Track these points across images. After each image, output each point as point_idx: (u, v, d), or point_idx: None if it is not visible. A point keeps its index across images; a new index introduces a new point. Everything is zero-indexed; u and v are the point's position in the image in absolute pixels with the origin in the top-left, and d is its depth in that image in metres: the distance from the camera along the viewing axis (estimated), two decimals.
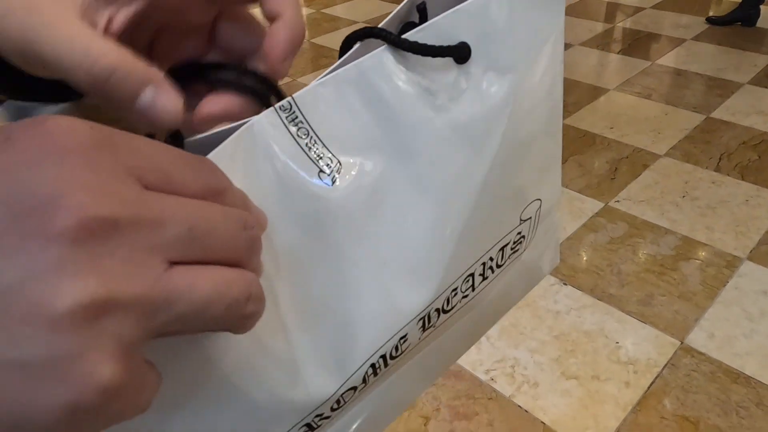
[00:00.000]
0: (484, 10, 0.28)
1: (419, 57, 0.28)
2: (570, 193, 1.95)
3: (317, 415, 0.28)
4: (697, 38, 3.05)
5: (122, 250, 0.14)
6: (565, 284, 1.59)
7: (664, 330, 1.44)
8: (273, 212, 0.25)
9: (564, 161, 2.11)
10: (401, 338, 0.30)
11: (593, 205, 1.88)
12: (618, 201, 1.89)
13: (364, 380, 0.29)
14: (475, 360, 1.39)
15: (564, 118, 2.38)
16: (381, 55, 0.27)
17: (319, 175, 0.26)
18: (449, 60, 0.28)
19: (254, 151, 0.25)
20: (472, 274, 0.33)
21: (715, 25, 3.17)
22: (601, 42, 3.09)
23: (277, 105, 0.25)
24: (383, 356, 0.29)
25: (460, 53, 0.28)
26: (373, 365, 0.29)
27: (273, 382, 0.25)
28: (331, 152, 0.26)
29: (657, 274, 1.60)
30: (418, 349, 0.34)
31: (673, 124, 2.29)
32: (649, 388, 1.31)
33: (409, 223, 0.28)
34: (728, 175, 1.98)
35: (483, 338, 1.44)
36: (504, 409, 1.28)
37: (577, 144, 2.21)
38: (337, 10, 3.73)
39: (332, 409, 0.29)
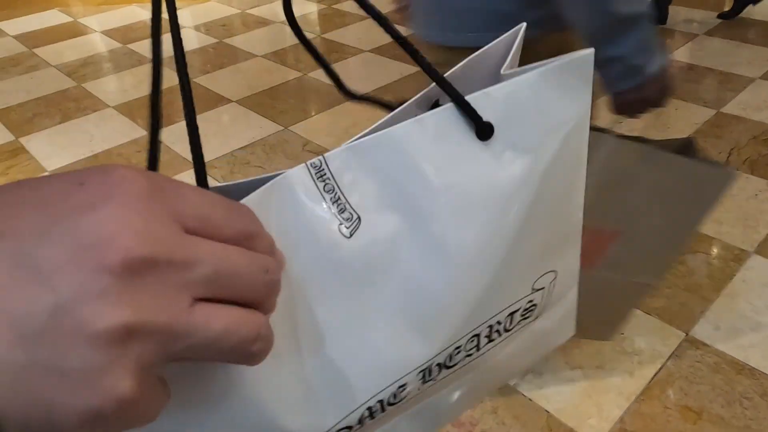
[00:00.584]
0: (512, 96, 0.31)
1: (445, 131, 0.30)
2: None
3: None
4: (709, 33, 3.03)
5: (155, 285, 0.17)
6: None
7: (669, 322, 1.44)
8: (299, 255, 0.28)
9: None
10: (400, 386, 0.31)
11: None
12: None
13: (360, 422, 0.31)
14: None
15: None
16: (410, 126, 0.30)
17: (339, 228, 0.29)
18: (472, 136, 0.31)
19: (285, 201, 0.28)
20: (478, 335, 0.34)
21: (727, 19, 3.15)
22: None
23: (308, 162, 0.28)
24: (381, 401, 0.31)
25: (484, 131, 0.31)
26: (369, 408, 0.31)
27: (277, 408, 0.27)
28: (353, 208, 0.29)
29: None
30: (416, 401, 0.35)
31: (683, 119, 2.28)
32: (653, 378, 1.32)
33: (425, 281, 0.30)
34: (738, 169, 1.97)
35: None
36: (508, 397, 1.29)
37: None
38: (347, 6, 3.75)
39: None
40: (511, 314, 0.36)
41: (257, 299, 0.20)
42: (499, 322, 0.35)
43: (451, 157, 0.31)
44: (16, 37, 3.61)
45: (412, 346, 0.31)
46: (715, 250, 1.65)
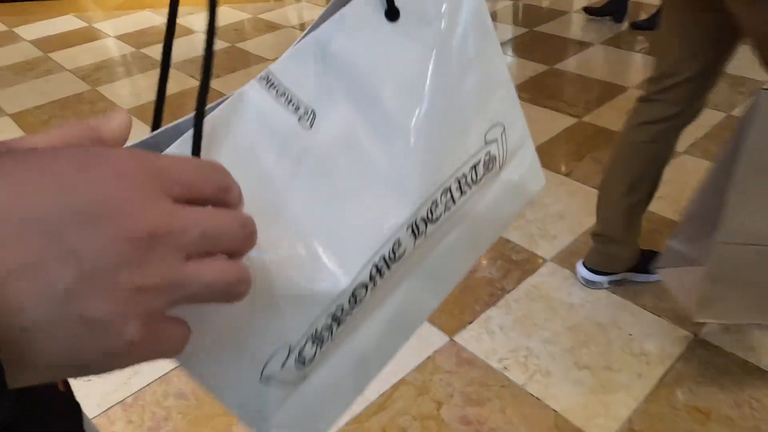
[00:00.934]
0: None
1: (360, 21, 0.37)
2: (586, 189, 1.96)
3: (339, 306, 0.35)
4: None
5: (158, 251, 0.21)
6: None
7: (678, 323, 1.44)
8: (270, 152, 0.33)
9: (581, 158, 2.12)
10: (395, 243, 0.37)
11: None
12: None
13: (372, 278, 0.36)
14: (488, 349, 1.41)
15: (582, 115, 2.38)
16: (332, 24, 0.36)
17: (299, 121, 0.35)
18: (383, 20, 0.38)
19: (245, 111, 0.33)
20: (449, 188, 0.40)
21: (642, 30, 3.18)
22: (623, 41, 3.08)
23: (257, 77, 0.34)
24: (383, 257, 0.37)
25: (394, 13, 0.38)
26: (376, 266, 0.36)
27: (298, 277, 0.33)
28: (306, 104, 0.35)
29: None
30: (418, 259, 0.40)
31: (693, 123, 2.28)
32: (661, 379, 1.32)
33: (385, 148, 0.37)
34: None
35: (496, 328, 1.47)
36: (516, 396, 1.30)
37: (594, 140, 2.22)
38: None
39: (351, 304, 0.36)
40: (474, 167, 0.42)
41: (236, 250, 0.24)
42: (464, 175, 0.41)
43: (371, 42, 0.37)
44: (32, 42, 3.67)
45: (392, 206, 0.37)
46: None
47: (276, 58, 0.36)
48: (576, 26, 3.37)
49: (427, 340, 1.45)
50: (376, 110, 0.37)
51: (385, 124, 0.37)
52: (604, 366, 1.36)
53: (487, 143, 0.43)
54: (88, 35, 3.77)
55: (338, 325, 0.35)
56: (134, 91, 2.97)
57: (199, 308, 0.27)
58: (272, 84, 0.34)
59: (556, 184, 2.00)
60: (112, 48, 3.57)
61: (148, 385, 1.38)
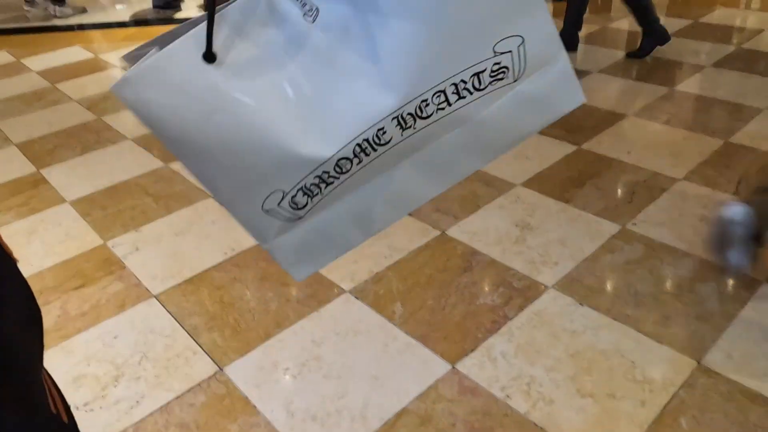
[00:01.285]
0: None
1: None
2: (587, 215, 1.97)
3: (325, 172, 0.42)
4: (716, 65, 3.07)
5: None
6: (582, 305, 1.60)
7: (680, 350, 1.44)
8: (281, 39, 0.40)
9: (582, 185, 2.14)
10: (379, 129, 0.42)
11: (610, 228, 1.90)
12: (635, 224, 1.91)
13: (355, 155, 0.42)
14: (491, 377, 1.41)
15: (581, 143, 2.41)
16: None
17: (304, 18, 0.41)
18: None
19: (256, 4, 0.39)
20: (443, 91, 0.44)
21: (637, 58, 3.24)
22: (621, 69, 3.13)
23: None
24: (366, 140, 0.42)
25: None
26: (359, 145, 0.42)
27: (284, 141, 0.40)
28: (312, 2, 0.41)
29: (674, 295, 1.61)
30: (409, 147, 0.45)
31: (691, 149, 2.30)
32: (665, 407, 1.31)
33: (375, 48, 0.41)
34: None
35: (498, 355, 1.47)
36: (519, 425, 1.29)
37: (594, 167, 2.24)
38: None
39: (336, 172, 0.43)
40: (477, 74, 0.44)
41: None
42: (464, 81, 0.44)
43: None
44: (39, 73, 3.74)
45: (378, 97, 0.41)
46: (726, 280, 1.65)
47: None
48: (574, 55, 3.42)
49: (429, 368, 1.44)
50: (373, 11, 0.41)
51: (378, 26, 0.41)
52: (607, 393, 1.35)
53: (496, 54, 0.44)
54: (95, 66, 3.83)
55: (326, 185, 0.43)
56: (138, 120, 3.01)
57: (211, 158, 0.37)
58: None
59: (556, 210, 2.01)
60: (118, 78, 3.63)
61: (150, 414, 1.37)
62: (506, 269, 1.76)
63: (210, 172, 0.40)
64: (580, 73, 3.13)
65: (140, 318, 1.67)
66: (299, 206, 0.43)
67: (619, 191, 2.08)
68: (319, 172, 0.43)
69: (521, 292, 1.67)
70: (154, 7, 4.81)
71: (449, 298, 1.66)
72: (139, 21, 4.84)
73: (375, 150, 0.43)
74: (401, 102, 0.42)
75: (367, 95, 0.42)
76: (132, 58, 0.42)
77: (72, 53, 4.11)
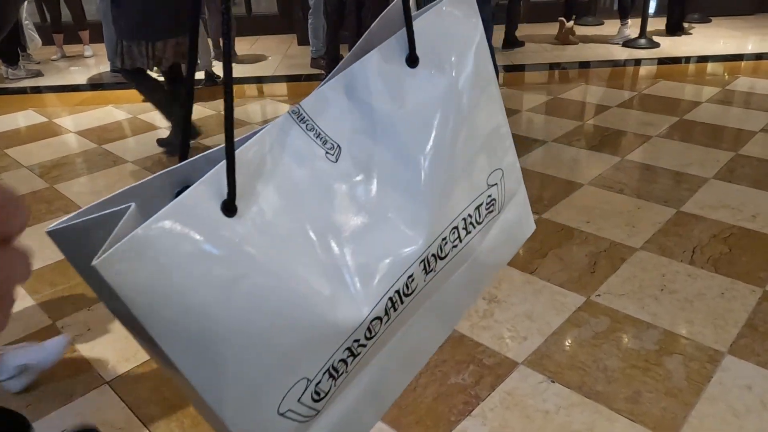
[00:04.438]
0: (423, 30, 0.42)
1: (384, 66, 0.41)
2: (551, 287, 1.99)
3: (355, 341, 0.36)
4: (662, 135, 3.24)
5: None
6: (553, 382, 1.59)
7: (654, 428, 1.43)
8: (299, 182, 0.36)
9: (544, 255, 2.17)
10: (409, 277, 0.39)
11: (575, 300, 1.91)
12: (599, 295, 1.93)
13: (387, 312, 0.38)
14: None
15: (541, 212, 2.47)
16: (358, 66, 0.40)
17: (326, 156, 0.38)
18: (404, 66, 0.42)
19: (276, 142, 0.36)
20: (456, 227, 0.43)
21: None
22: (574, 138, 3.26)
23: (288, 110, 0.37)
24: (398, 292, 0.38)
25: (414, 60, 0.42)
26: (390, 299, 0.38)
27: (319, 309, 0.34)
28: (332, 140, 0.38)
29: (642, 369, 1.62)
30: (427, 294, 0.42)
31: (646, 218, 2.38)
32: None
33: (400, 185, 0.40)
34: (702, 268, 2.05)
35: None
36: None
37: (555, 238, 2.28)
38: None
39: (366, 338, 0.37)
40: (477, 207, 0.45)
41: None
42: (470, 215, 0.44)
43: (393, 85, 0.41)
44: None
45: (407, 240, 0.39)
46: (690, 352, 1.68)
47: None
48: (527, 124, 3.56)
49: None
50: (394, 149, 0.40)
51: (401, 163, 0.40)
52: None
53: (489, 186, 0.46)
54: (48, 131, 3.74)
55: (353, 358, 0.37)
56: (94, 189, 2.92)
57: (224, 347, 0.30)
58: (302, 118, 0.38)
59: (521, 282, 2.02)
60: (72, 144, 3.55)
61: None
62: (476, 345, 1.74)
63: (217, 369, 0.30)
64: (536, 143, 3.25)
65: (91, 409, 1.55)
66: (321, 396, 0.36)
67: (581, 262, 2.12)
68: (350, 343, 0.36)
69: (492, 369, 1.64)
70: (112, 71, 4.77)
71: (420, 378, 1.61)
72: (95, 85, 4.79)
73: (402, 303, 0.39)
74: (428, 242, 0.40)
75: (396, 239, 0.39)
76: (74, 232, 0.30)
77: (24, 117, 4.01)
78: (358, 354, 0.37)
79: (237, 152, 0.33)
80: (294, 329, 0.32)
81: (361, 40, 0.42)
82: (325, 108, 0.39)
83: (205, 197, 0.31)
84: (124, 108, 4.18)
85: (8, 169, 3.16)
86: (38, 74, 5.03)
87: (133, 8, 2.70)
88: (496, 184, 0.47)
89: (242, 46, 5.30)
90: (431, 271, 0.41)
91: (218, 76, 4.55)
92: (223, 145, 0.33)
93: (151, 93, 3.01)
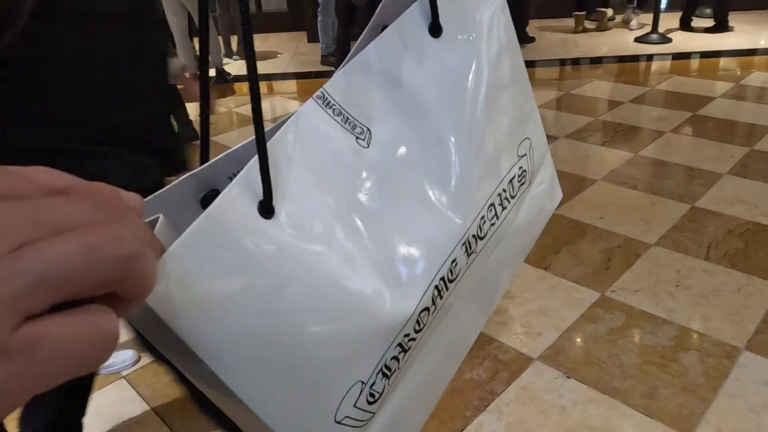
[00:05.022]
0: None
1: (406, 38, 0.38)
2: (566, 283, 1.98)
3: (405, 335, 0.34)
4: (675, 130, 3.22)
5: None
6: (569, 377, 1.58)
7: (670, 424, 1.43)
8: (333, 172, 0.33)
9: (558, 251, 2.16)
10: (452, 261, 0.37)
11: (590, 296, 1.91)
12: (614, 291, 1.92)
13: (434, 301, 0.35)
14: None
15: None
16: (379, 42, 0.37)
17: (357, 142, 0.35)
18: (427, 36, 0.39)
19: (308, 131, 0.33)
20: (493, 204, 0.41)
21: None
22: (587, 135, 3.24)
23: (314, 96, 0.35)
24: (443, 279, 0.36)
25: (437, 29, 0.39)
26: (437, 287, 0.36)
27: (367, 307, 0.32)
28: (362, 124, 0.36)
29: (658, 366, 1.61)
30: (468, 278, 0.40)
31: (660, 214, 2.37)
32: None
33: (435, 165, 0.37)
34: (718, 263, 2.03)
35: None
36: None
37: (569, 234, 2.27)
38: None
39: (415, 330, 0.35)
40: (511, 181, 0.43)
41: (115, 285, 0.17)
42: (504, 190, 0.42)
43: (417, 58, 0.38)
44: None
45: (448, 221, 0.37)
46: (706, 348, 1.67)
47: None
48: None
49: None
50: (425, 126, 0.37)
51: (433, 141, 0.37)
52: None
53: (519, 157, 0.44)
54: None
55: (404, 353, 0.34)
56: None
57: (274, 361, 0.27)
58: (328, 103, 0.35)
59: (535, 278, 2.02)
60: None
61: None
62: (490, 341, 1.74)
63: (269, 384, 0.28)
64: (548, 138, 3.23)
65: (108, 403, 1.57)
66: (376, 397, 0.33)
67: (595, 258, 2.11)
68: (401, 338, 0.33)
69: (507, 365, 1.64)
70: None
71: None
72: None
73: (447, 289, 0.37)
74: (468, 222, 0.38)
75: (437, 222, 0.36)
76: None
77: None
78: (409, 349, 0.35)
79: (268, 145, 0.30)
80: (345, 331, 0.30)
81: (374, 17, 0.40)
82: (350, 90, 0.36)
83: (240, 201, 0.28)
84: None
85: None
86: None
87: None
88: (525, 154, 0.45)
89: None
90: (472, 253, 0.38)
91: (228, 74, 4.56)
92: (248, 140, 0.31)
93: None
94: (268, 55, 5.37)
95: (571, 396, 1.53)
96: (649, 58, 4.72)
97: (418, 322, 0.34)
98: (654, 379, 1.56)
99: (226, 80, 4.51)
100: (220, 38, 4.76)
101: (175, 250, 0.25)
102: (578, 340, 1.72)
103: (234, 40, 5.16)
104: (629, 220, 2.33)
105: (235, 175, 0.29)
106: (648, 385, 1.54)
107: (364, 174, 0.35)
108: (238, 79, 4.62)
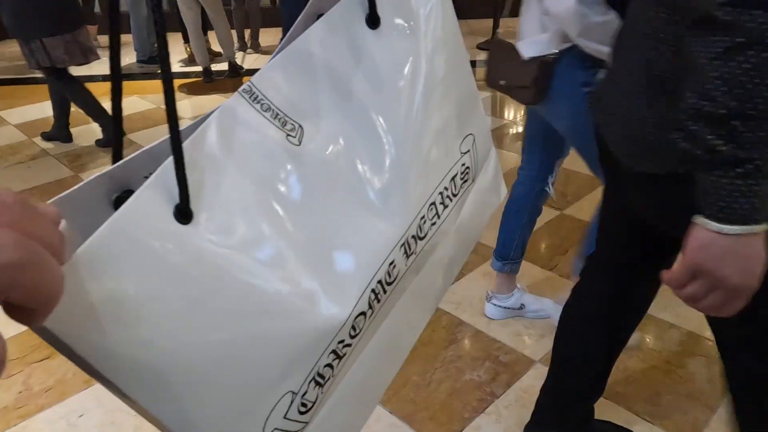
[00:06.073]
0: None
1: (341, 28, 0.36)
2: (572, 284, 1.95)
3: (340, 342, 0.32)
4: None
5: None
6: None
7: (672, 431, 1.40)
8: (263, 174, 0.31)
9: (565, 252, 2.13)
10: (390, 264, 0.35)
11: None
12: None
13: (370, 305, 0.34)
14: None
15: (564, 208, 2.42)
16: (313, 31, 0.35)
17: (287, 139, 0.33)
18: (364, 28, 0.37)
19: (232, 128, 0.31)
20: (434, 203, 0.39)
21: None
22: None
23: (240, 89, 0.32)
24: (380, 282, 0.34)
25: (375, 20, 0.37)
26: (374, 290, 0.34)
27: (298, 313, 0.30)
28: (292, 120, 0.33)
29: (664, 371, 1.58)
30: (408, 279, 0.38)
31: None
32: None
33: (372, 162, 0.35)
34: None
35: None
36: None
37: (577, 234, 2.23)
38: None
39: (351, 336, 0.33)
40: (453, 178, 0.41)
41: None
42: (446, 188, 0.40)
43: (353, 50, 0.36)
44: (17, 126, 3.69)
45: (386, 221, 0.35)
46: (713, 353, 1.63)
47: None
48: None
49: None
50: (360, 122, 0.35)
51: (369, 137, 0.35)
52: None
53: (462, 154, 0.42)
54: (75, 120, 3.80)
55: (338, 360, 0.33)
56: None
57: (194, 374, 0.26)
58: (256, 98, 0.32)
59: (541, 278, 1.99)
60: (98, 132, 3.60)
61: None
62: (492, 342, 1.71)
63: (189, 400, 0.26)
64: None
65: (109, 394, 1.57)
66: (308, 407, 0.31)
67: None
68: (334, 345, 0.32)
69: (508, 366, 1.62)
70: (138, 61, 4.83)
71: (435, 374, 1.60)
72: (123, 75, 4.84)
73: (386, 292, 0.35)
74: (406, 223, 0.36)
75: (374, 222, 0.34)
76: None
77: (50, 106, 4.07)
78: (344, 355, 0.33)
79: (185, 144, 0.28)
80: (274, 340, 0.28)
81: (309, 4, 0.37)
82: (280, 82, 0.33)
83: (153, 204, 0.26)
84: (149, 99, 4.22)
85: (36, 157, 3.22)
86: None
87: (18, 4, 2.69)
88: (468, 150, 0.43)
89: (266, 37, 5.31)
90: (412, 254, 0.37)
91: (241, 67, 4.57)
92: (166, 137, 0.28)
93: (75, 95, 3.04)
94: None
95: None
96: None
97: (353, 327, 0.33)
98: (658, 384, 1.53)
99: (238, 73, 4.51)
100: (234, 32, 4.77)
101: (72, 264, 0.23)
102: None
103: (247, 34, 5.16)
104: None
105: (151, 175, 0.27)
106: (652, 391, 1.51)
107: (294, 173, 0.32)
108: (250, 72, 4.62)
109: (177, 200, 0.27)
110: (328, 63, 0.35)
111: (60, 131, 3.35)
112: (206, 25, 4.45)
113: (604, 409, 1.46)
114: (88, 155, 3.23)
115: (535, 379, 1.57)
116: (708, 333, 1.70)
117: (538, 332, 1.75)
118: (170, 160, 0.27)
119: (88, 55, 2.97)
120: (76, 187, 0.29)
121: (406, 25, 0.38)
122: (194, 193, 0.27)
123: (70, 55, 2.87)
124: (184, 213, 0.27)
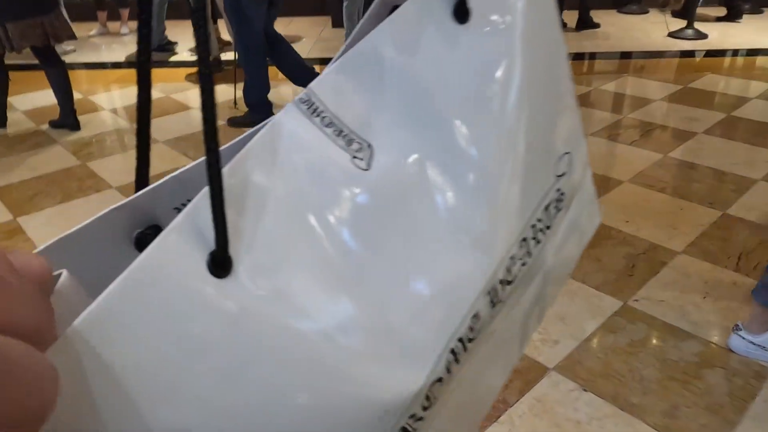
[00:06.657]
0: None
1: (420, 24, 0.28)
2: (587, 289, 1.91)
3: (411, 416, 0.26)
4: (707, 132, 3.10)
5: None
6: (585, 390, 1.52)
7: None
8: (322, 210, 0.25)
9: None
10: (473, 316, 0.28)
11: (612, 304, 1.83)
12: (637, 300, 1.85)
13: (448, 369, 0.27)
14: None
15: None
16: (385, 27, 0.28)
17: (353, 162, 0.26)
18: (448, 21, 0.29)
19: (281, 150, 0.24)
20: (525, 239, 0.32)
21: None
22: (613, 133, 3.14)
23: (297, 98, 0.26)
24: (460, 339, 0.28)
25: (464, 12, 0.29)
26: (452, 350, 0.28)
27: (361, 386, 0.24)
28: (360, 137, 0.27)
29: (681, 382, 1.54)
30: (491, 330, 0.31)
31: (688, 220, 2.28)
32: None
33: (457, 190, 0.28)
34: (748, 275, 1.94)
35: None
36: None
37: (593, 237, 2.19)
38: None
39: (423, 408, 0.27)
40: (546, 208, 0.34)
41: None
42: (539, 220, 0.33)
43: (434, 49, 0.28)
44: (25, 113, 3.66)
45: (470, 263, 0.28)
46: (733, 366, 1.59)
47: None
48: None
49: None
50: (445, 140, 0.28)
51: (456, 159, 0.29)
52: None
53: (557, 178, 0.35)
54: (84, 107, 3.76)
55: None
56: (126, 167, 2.93)
57: None
58: (315, 109, 0.26)
59: None
60: (107, 121, 3.56)
61: None
62: None
63: None
64: None
65: None
66: None
67: (619, 263, 2.03)
68: (404, 421, 0.26)
69: (521, 374, 1.58)
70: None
71: None
72: (132, 63, 4.81)
73: (466, 351, 0.29)
74: (494, 264, 0.29)
75: (455, 266, 0.28)
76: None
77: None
78: (415, 430, 0.27)
79: (225, 171, 0.22)
80: (330, 421, 0.23)
81: None
82: (346, 91, 0.27)
83: (180, 253, 0.21)
84: (158, 87, 4.18)
85: (42, 145, 3.20)
86: (71, 51, 5.06)
87: None
88: (564, 173, 0.35)
89: (278, 27, 5.25)
90: (498, 302, 0.30)
91: (225, 62, 4.49)
92: (200, 159, 0.23)
93: None
94: (291, 40, 5.31)
95: (587, 410, 1.47)
96: (683, 54, 4.56)
97: (427, 398, 0.27)
98: (676, 396, 1.49)
99: (221, 69, 4.44)
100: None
101: (72, 334, 0.18)
102: (597, 350, 1.66)
103: None
104: (656, 225, 2.24)
105: (184, 207, 0.21)
106: (669, 403, 1.48)
107: (360, 207, 0.26)
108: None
109: (212, 246, 0.21)
110: (405, 67, 0.28)
111: (67, 119, 3.32)
112: (215, 13, 4.39)
113: (617, 421, 1.43)
114: (95, 144, 3.20)
115: (549, 388, 1.53)
116: (725, 342, 1.66)
117: (553, 338, 1.71)
118: (204, 192, 0.22)
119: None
120: (89, 220, 0.25)
121: (501, 20, 0.31)
122: (233, 235, 0.22)
123: (27, 39, 2.87)
124: (220, 263, 0.21)
